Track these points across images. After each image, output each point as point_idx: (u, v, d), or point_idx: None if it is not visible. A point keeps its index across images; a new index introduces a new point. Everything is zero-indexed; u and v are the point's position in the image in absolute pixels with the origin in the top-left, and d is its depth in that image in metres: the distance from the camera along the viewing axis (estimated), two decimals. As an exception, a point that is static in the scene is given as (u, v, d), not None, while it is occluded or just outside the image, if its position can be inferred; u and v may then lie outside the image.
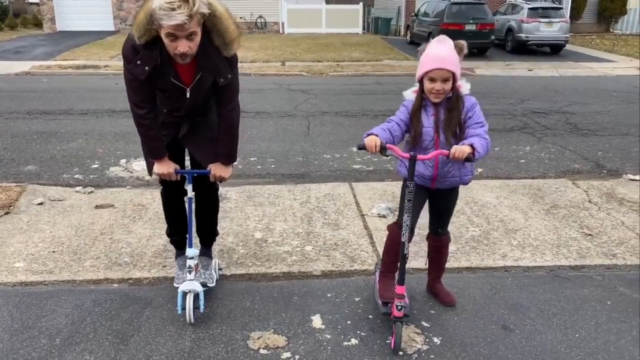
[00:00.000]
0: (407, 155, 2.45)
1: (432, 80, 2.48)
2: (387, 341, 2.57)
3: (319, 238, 3.87)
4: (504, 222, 4.17)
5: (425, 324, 2.74)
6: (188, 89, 2.55)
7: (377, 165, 5.89)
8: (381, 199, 4.68)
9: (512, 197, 4.79)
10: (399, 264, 2.56)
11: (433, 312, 2.86)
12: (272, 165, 5.94)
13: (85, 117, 8.17)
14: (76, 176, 5.51)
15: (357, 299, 3.00)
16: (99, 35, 20.81)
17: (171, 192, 2.98)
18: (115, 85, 10.88)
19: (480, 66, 15.12)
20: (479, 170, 5.79)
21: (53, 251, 3.65)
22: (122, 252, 3.64)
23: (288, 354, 2.49)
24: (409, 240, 2.56)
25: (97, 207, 4.56)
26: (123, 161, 6.01)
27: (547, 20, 17.44)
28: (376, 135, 2.42)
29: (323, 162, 6.07)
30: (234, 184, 4.95)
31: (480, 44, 17.08)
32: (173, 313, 2.85)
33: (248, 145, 6.44)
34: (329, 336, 2.64)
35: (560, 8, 18.87)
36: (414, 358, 2.46)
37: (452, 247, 3.68)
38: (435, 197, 2.76)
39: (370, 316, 2.82)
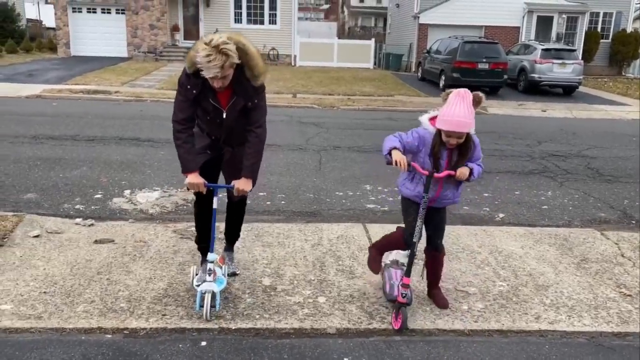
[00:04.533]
0: (427, 172, 2.95)
1: (449, 136, 2.90)
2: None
3: (332, 287, 3.56)
4: (533, 277, 3.85)
5: (457, 401, 2.41)
6: (225, 110, 3.13)
7: (393, 205, 5.61)
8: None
9: (538, 247, 4.48)
10: (407, 260, 3.16)
11: (465, 385, 2.54)
12: (282, 202, 5.67)
13: (92, 143, 7.98)
14: (77, 206, 5.26)
15: (376, 365, 2.68)
16: (112, 61, 20.95)
17: (202, 204, 3.43)
18: (124, 112, 10.76)
19: (493, 105, 14.97)
20: (501, 215, 5.50)
21: (44, 292, 3.36)
22: (119, 295, 3.34)
23: None
24: (415, 250, 3.14)
25: (96, 242, 4.28)
26: (127, 192, 5.76)
27: (560, 61, 17.38)
28: (400, 150, 2.92)
29: (335, 200, 5.80)
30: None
31: (493, 83, 17.01)
32: (170, 374, 2.53)
33: (258, 180, 6.17)
34: (347, 412, 2.31)
35: (574, 50, 18.85)
36: None
37: (479, 305, 3.38)
38: (431, 214, 3.15)
39: (394, 388, 2.49)
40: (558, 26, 24.02)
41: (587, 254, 4.36)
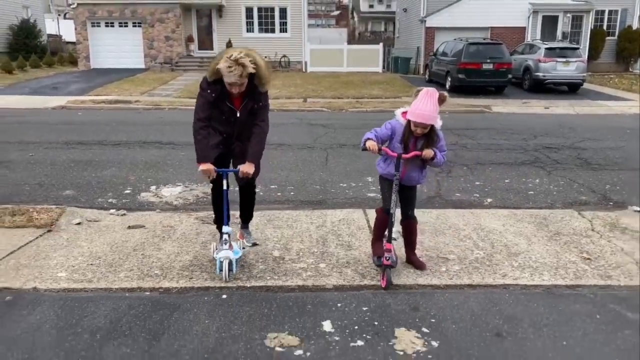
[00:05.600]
0: (395, 154, 3.63)
1: (416, 126, 3.57)
2: (389, 342, 2.85)
3: (332, 257, 4.18)
4: (508, 247, 4.43)
5: (425, 330, 3.01)
6: (238, 110, 3.83)
7: (391, 194, 6.20)
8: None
9: (518, 225, 5.04)
10: (386, 231, 3.75)
11: (433, 320, 3.13)
12: (292, 193, 6.31)
13: (118, 147, 8.72)
14: (110, 200, 5.95)
15: (364, 309, 3.29)
16: (130, 73, 21.86)
17: (217, 187, 4.08)
18: (144, 119, 11.52)
19: (498, 104, 15.48)
20: (489, 200, 6.07)
21: (91, 264, 4.03)
22: (153, 265, 4.00)
23: (300, 352, 2.79)
24: (393, 222, 3.75)
25: (129, 227, 4.96)
26: (153, 187, 6.45)
27: (564, 59, 17.80)
28: (374, 141, 3.61)
29: (339, 191, 6.42)
30: (255, 208, 5.32)
31: (498, 83, 17.51)
32: (199, 317, 3.18)
33: (269, 174, 6.82)
34: (337, 338, 2.93)
35: (577, 48, 19.21)
36: (413, 357, 2.73)
37: (456, 267, 3.97)
38: (403, 190, 3.84)
39: (376, 322, 3.10)
40: (563, 25, 24.40)
41: (561, 230, 4.91)
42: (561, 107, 15.18)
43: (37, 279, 3.72)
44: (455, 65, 17.47)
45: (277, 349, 2.82)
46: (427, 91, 3.54)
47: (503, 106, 15.22)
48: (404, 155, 3.63)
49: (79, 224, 5.02)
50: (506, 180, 6.87)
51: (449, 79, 18.03)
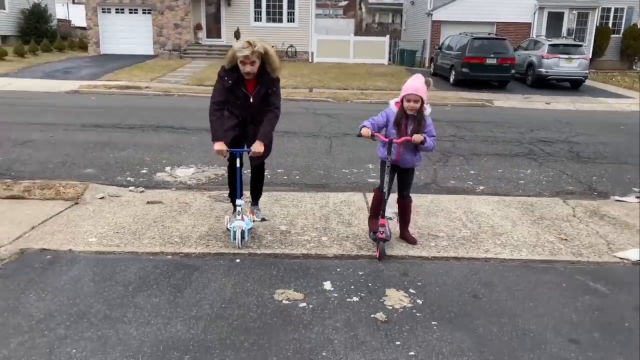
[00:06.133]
0: (387, 139, 4.10)
1: (409, 100, 3.98)
2: (380, 299, 3.32)
3: (333, 232, 4.64)
4: (493, 228, 4.87)
5: (412, 291, 3.47)
6: (251, 95, 4.25)
7: (390, 179, 6.65)
8: (388, 205, 5.42)
9: (506, 210, 5.48)
10: (380, 210, 4.19)
11: (419, 284, 3.59)
12: (297, 177, 6.76)
13: (133, 130, 9.18)
14: (128, 179, 6.41)
15: (360, 273, 3.75)
16: (139, 59, 22.27)
17: (232, 165, 4.53)
18: (156, 105, 11.96)
19: (500, 98, 15.85)
20: (481, 187, 6.50)
21: (117, 232, 4.50)
22: (173, 234, 4.47)
23: (304, 304, 3.26)
24: (386, 201, 4.26)
25: (148, 202, 5.42)
26: (168, 168, 6.91)
27: (567, 56, 18.12)
28: (368, 128, 4.06)
29: (342, 176, 6.86)
30: (263, 189, 5.77)
31: (501, 77, 17.88)
32: (216, 276, 3.65)
33: (276, 159, 7.27)
34: (336, 294, 3.39)
35: (580, 45, 19.51)
36: (400, 311, 3.19)
37: (444, 243, 4.42)
38: (400, 173, 4.35)
39: (370, 284, 3.56)
40: (569, 22, 24.66)
41: (545, 215, 5.35)
42: (562, 103, 15.54)
43: (71, 242, 4.19)
44: (460, 59, 17.82)
45: (284, 301, 3.29)
46: (416, 74, 4.12)
47: (505, 100, 15.59)
48: (394, 140, 4.07)
49: (102, 198, 5.48)
50: (499, 170, 7.30)
51: (453, 72, 18.39)
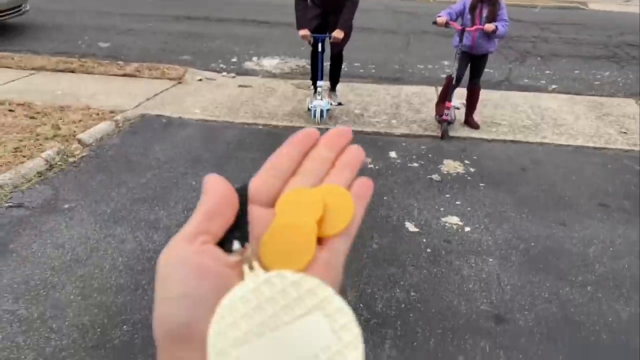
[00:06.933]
0: (460, 27, 4.39)
1: None
2: (437, 166, 3.89)
3: (402, 116, 5.14)
4: (556, 120, 5.16)
5: (467, 162, 4.00)
6: None
7: (462, 75, 6.91)
8: (457, 97, 5.79)
9: (573, 106, 5.68)
10: (448, 94, 4.59)
11: (475, 157, 4.09)
12: (373, 70, 7.17)
13: (222, 23, 9.79)
14: (221, 65, 7.12)
15: (423, 147, 4.30)
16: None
17: (314, 50, 4.94)
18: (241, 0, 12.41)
19: (596, 0, 14.80)
20: (553, 86, 6.63)
21: (216, 106, 5.25)
22: (262, 111, 5.16)
23: (372, 166, 3.89)
24: (455, 86, 4.58)
25: (239, 86, 6.12)
26: (255, 58, 7.53)
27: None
28: (443, 17, 4.40)
29: (416, 71, 7.19)
30: (340, 81, 6.28)
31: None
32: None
33: (354, 54, 7.63)
34: (399, 161, 3.99)
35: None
36: (453, 175, 3.75)
37: (505, 129, 4.81)
38: (474, 60, 4.62)
39: (430, 155, 4.11)
40: None
41: (612, 112, 5.51)
42: (666, 7, 14.28)
43: (180, 112, 5.00)
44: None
45: (356, 163, 3.94)
46: None
47: (602, 4, 14.56)
48: (467, 28, 4.38)
49: (200, 80, 6.24)
50: (576, 71, 7.30)
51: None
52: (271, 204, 0.36)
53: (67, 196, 3.20)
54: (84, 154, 3.85)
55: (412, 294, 2.38)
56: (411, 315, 2.24)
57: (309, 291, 0.30)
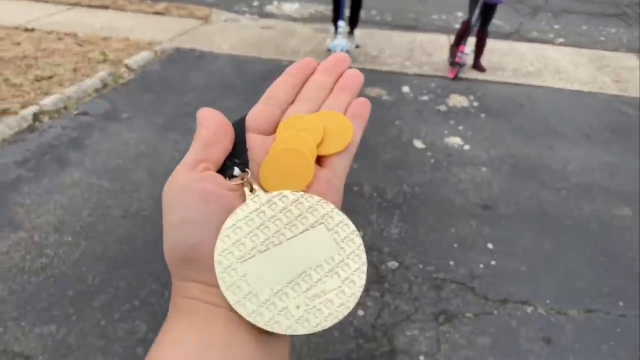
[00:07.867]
0: None
1: None
2: (445, 99, 4.35)
3: (415, 59, 5.56)
4: (557, 68, 5.56)
5: (471, 97, 4.46)
6: None
7: (474, 26, 7.26)
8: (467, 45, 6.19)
9: (575, 57, 6.06)
10: (464, 39, 4.91)
11: (479, 94, 4.55)
12: (389, 18, 7.51)
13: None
14: (243, 8, 7.48)
15: (433, 85, 4.75)
16: None
17: None
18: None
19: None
20: (560, 40, 6.98)
21: (242, 43, 5.68)
22: (285, 49, 5.59)
23: (386, 97, 4.36)
24: (470, 32, 4.91)
25: (262, 27, 6.51)
26: (275, 2, 7.86)
27: None
28: None
29: (431, 21, 7.52)
30: (357, 27, 6.65)
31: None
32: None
33: (371, 2, 7.97)
34: (411, 95, 4.46)
35: None
36: (458, 107, 4.22)
37: (509, 73, 5.24)
38: (487, 8, 4.87)
39: (439, 91, 4.57)
40: None
41: (610, 64, 5.90)
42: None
43: (210, 46, 5.44)
44: None
45: (372, 95, 4.41)
46: None
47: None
48: None
49: (225, 20, 6.64)
50: (584, 27, 7.61)
51: None
52: (270, 132, 0.37)
53: (124, 109, 3.71)
54: (131, 77, 4.35)
55: (417, 189, 2.90)
56: (415, 202, 2.77)
57: (310, 208, 0.31)
